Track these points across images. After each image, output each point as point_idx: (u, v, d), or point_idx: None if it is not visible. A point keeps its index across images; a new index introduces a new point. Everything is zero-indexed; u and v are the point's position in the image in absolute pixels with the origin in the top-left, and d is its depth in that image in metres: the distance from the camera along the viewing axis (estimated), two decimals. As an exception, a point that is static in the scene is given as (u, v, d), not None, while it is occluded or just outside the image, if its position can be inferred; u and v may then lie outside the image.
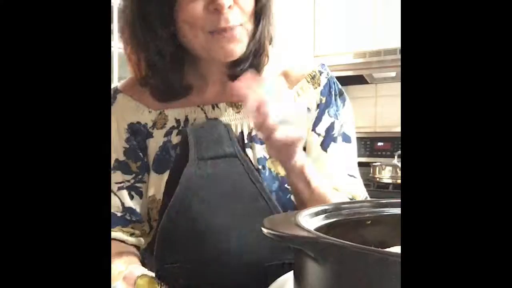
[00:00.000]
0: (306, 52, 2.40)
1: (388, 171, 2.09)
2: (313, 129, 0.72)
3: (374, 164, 2.18)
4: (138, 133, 0.72)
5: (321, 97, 0.73)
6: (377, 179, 2.11)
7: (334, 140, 0.72)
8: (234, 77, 0.70)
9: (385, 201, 0.45)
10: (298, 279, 0.35)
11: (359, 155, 0.78)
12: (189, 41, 0.64)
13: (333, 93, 0.75)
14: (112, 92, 0.75)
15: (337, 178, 0.70)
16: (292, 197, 0.69)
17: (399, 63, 2.12)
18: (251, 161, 0.66)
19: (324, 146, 0.72)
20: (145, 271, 0.58)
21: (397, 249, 0.39)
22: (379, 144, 2.43)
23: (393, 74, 2.31)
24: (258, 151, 0.69)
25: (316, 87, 0.74)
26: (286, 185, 0.69)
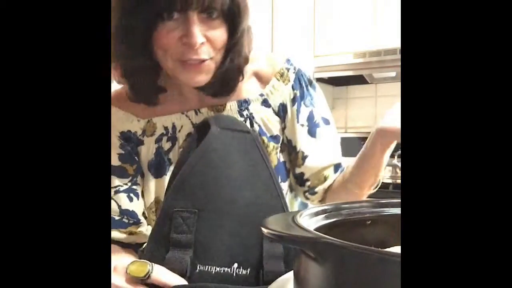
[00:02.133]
0: (306, 52, 2.40)
1: (388, 171, 2.09)
2: (298, 121, 0.78)
3: (374, 164, 2.17)
4: (130, 140, 0.76)
5: (294, 91, 0.79)
6: (377, 179, 2.10)
7: (318, 125, 0.80)
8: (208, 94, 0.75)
9: (385, 201, 0.45)
10: (298, 279, 0.35)
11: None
12: (162, 64, 0.68)
13: (303, 85, 0.80)
14: None
15: (331, 156, 0.80)
16: (281, 184, 0.75)
17: (399, 63, 2.12)
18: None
19: (312, 133, 0.79)
20: (135, 259, 0.58)
21: (397, 249, 0.39)
22: (379, 144, 2.42)
23: (393, 74, 2.31)
24: None
25: (286, 83, 0.79)
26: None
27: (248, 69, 0.78)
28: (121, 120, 0.76)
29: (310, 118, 0.79)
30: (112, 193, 0.73)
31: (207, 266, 0.56)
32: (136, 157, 0.76)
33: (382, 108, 2.55)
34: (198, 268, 0.56)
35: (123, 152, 0.75)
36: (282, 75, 0.79)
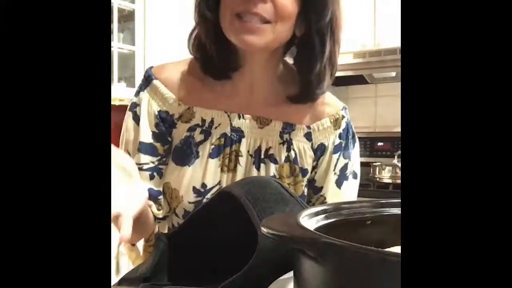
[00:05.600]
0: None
1: (388, 171, 2.09)
2: (334, 169, 0.80)
3: (374, 164, 2.17)
4: (165, 121, 0.75)
5: (340, 140, 0.80)
6: (377, 179, 2.11)
7: (346, 178, 0.81)
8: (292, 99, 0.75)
9: (385, 201, 0.45)
10: (298, 279, 0.35)
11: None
12: (223, 25, 0.67)
13: (350, 137, 0.81)
14: (147, 75, 0.77)
15: None
16: None
17: (399, 63, 2.12)
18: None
19: (339, 184, 0.80)
20: None
21: (397, 249, 0.39)
22: (379, 144, 2.43)
23: (393, 74, 2.32)
24: (271, 170, 0.75)
25: (336, 129, 0.80)
26: None
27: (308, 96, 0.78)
28: (163, 99, 0.74)
29: (343, 169, 0.80)
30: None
31: None
32: (169, 138, 0.75)
33: (382, 108, 2.56)
34: None
35: (157, 131, 0.74)
36: (336, 120, 0.79)
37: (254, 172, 0.75)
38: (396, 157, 2.09)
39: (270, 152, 0.75)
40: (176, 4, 2.46)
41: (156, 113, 0.74)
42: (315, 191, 0.80)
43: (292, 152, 0.76)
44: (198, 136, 0.74)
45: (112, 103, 2.41)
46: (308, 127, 0.78)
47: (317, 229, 0.37)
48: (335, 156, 0.79)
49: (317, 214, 0.41)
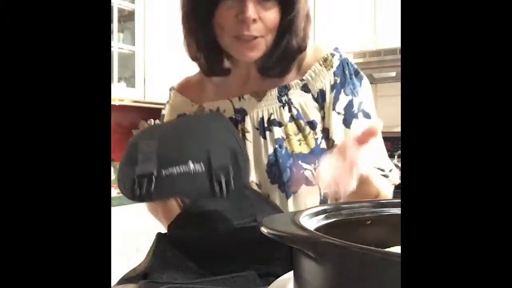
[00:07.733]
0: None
1: (388, 171, 2.08)
2: (334, 109, 0.77)
3: (374, 164, 2.17)
4: None
5: (335, 78, 0.78)
6: (377, 179, 2.10)
7: (355, 116, 0.77)
8: (262, 72, 0.81)
9: (385, 201, 0.45)
10: (298, 279, 0.35)
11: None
12: (220, 41, 0.77)
13: (347, 73, 0.79)
14: (169, 89, 0.94)
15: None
16: (306, 173, 0.75)
17: (399, 63, 2.12)
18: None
19: (347, 123, 0.77)
20: None
21: (397, 249, 0.39)
22: (379, 144, 2.42)
23: (393, 74, 2.32)
24: (277, 133, 0.77)
25: (329, 69, 0.78)
26: (299, 161, 0.75)
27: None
28: (181, 104, 0.89)
29: (348, 107, 0.77)
30: None
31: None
32: None
33: (382, 108, 2.55)
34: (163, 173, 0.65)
35: None
36: (325, 60, 0.79)
37: (262, 142, 0.77)
38: (396, 157, 2.09)
39: (272, 117, 0.78)
40: (176, 4, 2.46)
41: (176, 116, 0.87)
42: (326, 137, 0.77)
43: (294, 110, 0.77)
44: None
45: (112, 103, 2.41)
46: (302, 79, 0.79)
47: (317, 229, 0.37)
48: (333, 94, 0.77)
49: (317, 214, 0.41)
